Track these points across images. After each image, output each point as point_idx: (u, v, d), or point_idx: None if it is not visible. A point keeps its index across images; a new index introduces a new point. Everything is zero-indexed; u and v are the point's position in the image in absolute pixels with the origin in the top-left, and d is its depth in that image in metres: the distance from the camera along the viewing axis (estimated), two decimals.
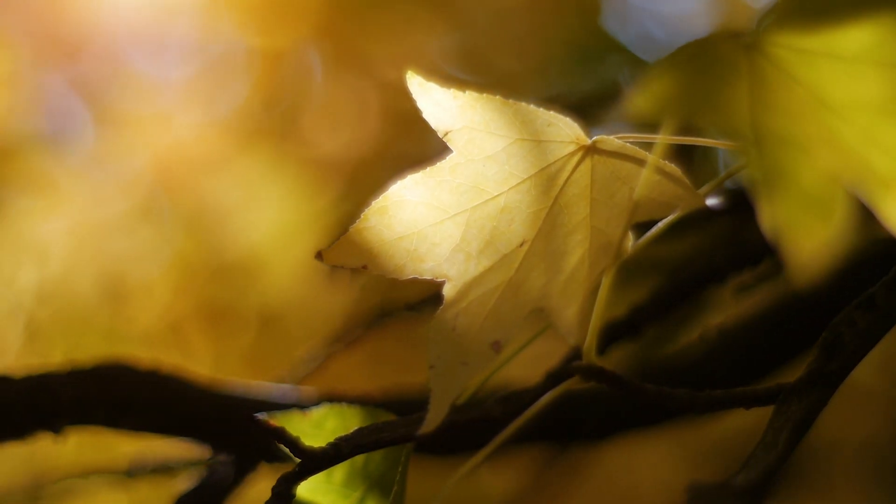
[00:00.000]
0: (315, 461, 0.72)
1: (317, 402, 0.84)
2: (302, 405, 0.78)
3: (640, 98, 0.59)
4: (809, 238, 0.55)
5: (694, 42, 0.61)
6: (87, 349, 2.23)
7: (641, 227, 0.74)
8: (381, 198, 0.72)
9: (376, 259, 0.72)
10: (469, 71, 2.32)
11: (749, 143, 0.58)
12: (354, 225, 0.72)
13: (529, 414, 0.71)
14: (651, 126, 0.69)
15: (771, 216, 0.56)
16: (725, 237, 1.04)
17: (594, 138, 0.72)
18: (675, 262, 0.97)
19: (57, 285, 2.22)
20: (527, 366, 0.85)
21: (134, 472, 1.01)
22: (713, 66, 0.60)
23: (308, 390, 0.99)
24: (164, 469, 1.00)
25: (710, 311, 1.09)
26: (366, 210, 0.72)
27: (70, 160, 2.27)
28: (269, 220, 2.31)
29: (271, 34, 2.38)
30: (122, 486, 1.08)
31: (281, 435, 0.71)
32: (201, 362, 2.35)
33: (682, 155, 0.77)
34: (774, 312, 1.06)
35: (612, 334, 0.88)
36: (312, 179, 2.32)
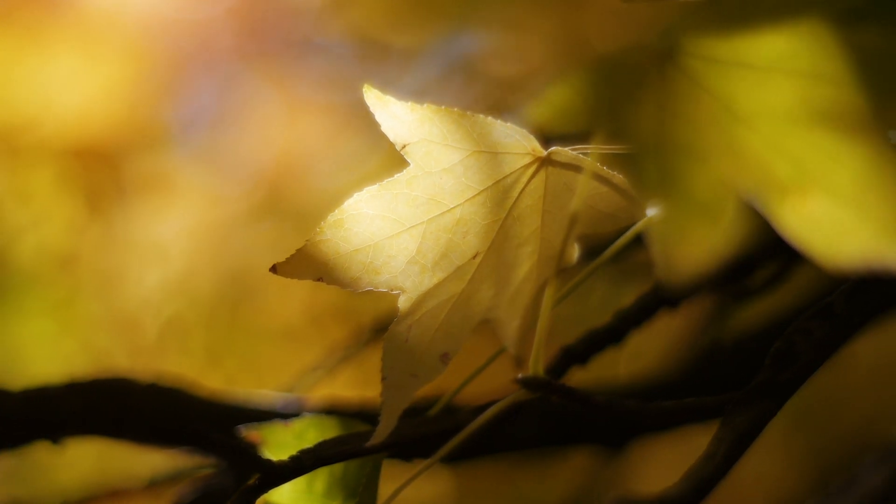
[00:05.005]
0: (275, 474, 0.72)
1: (320, 412, 0.84)
2: (303, 415, 0.79)
3: (540, 108, 0.59)
4: (691, 243, 0.55)
5: (604, 53, 0.61)
6: (228, 344, 2.27)
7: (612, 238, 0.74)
8: (337, 211, 0.73)
9: (332, 272, 0.73)
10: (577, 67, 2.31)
11: (646, 151, 0.57)
12: (310, 238, 0.73)
13: (474, 426, 0.71)
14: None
15: (656, 220, 0.55)
16: None
17: (549, 150, 0.72)
18: None
19: (192, 282, 2.26)
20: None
21: (155, 482, 1.03)
22: (620, 77, 0.60)
23: (312, 399, 1.00)
24: (172, 478, 1.01)
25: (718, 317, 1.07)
26: (322, 223, 0.73)
27: (198, 157, 2.32)
28: None
29: (396, 31, 2.40)
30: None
31: (239, 447, 0.72)
32: None
33: None
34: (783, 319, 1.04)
35: (595, 342, 0.87)
36: None
